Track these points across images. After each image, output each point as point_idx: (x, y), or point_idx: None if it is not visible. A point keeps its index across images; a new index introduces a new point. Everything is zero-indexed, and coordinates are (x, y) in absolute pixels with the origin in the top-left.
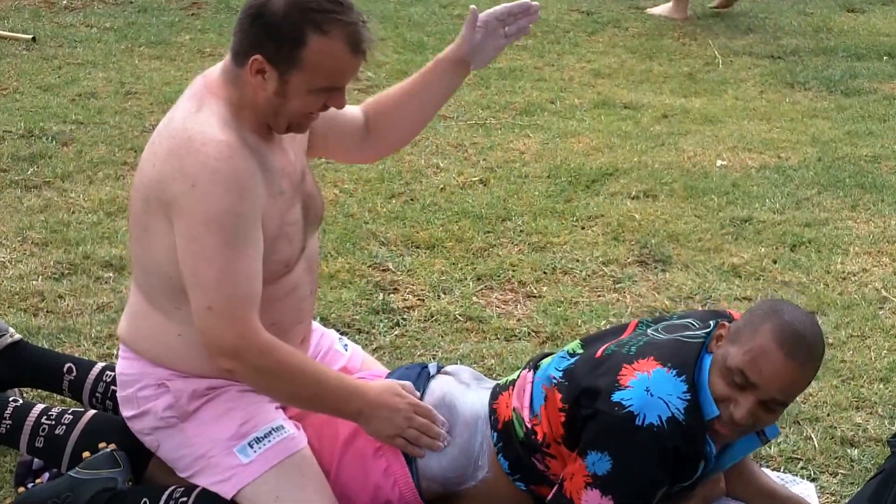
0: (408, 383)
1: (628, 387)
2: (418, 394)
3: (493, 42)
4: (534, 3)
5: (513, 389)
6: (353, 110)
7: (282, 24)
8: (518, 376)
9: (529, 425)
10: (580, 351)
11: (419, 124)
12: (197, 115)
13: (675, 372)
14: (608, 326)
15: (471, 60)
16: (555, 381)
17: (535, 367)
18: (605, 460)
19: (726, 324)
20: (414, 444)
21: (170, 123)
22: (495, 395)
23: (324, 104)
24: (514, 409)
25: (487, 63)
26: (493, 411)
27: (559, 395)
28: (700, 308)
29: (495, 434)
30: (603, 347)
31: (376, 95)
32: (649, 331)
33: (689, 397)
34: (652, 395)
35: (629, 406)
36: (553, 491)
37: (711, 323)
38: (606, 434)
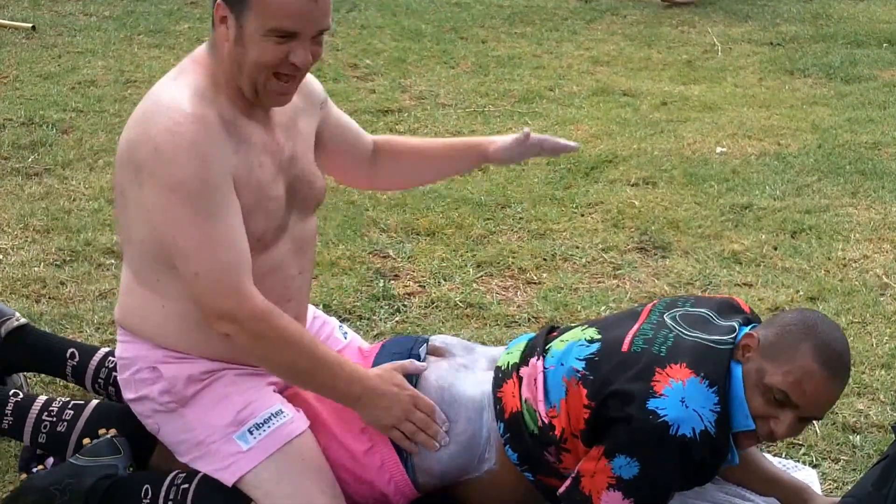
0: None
1: (663, 395)
2: (424, 365)
3: (524, 153)
4: (575, 145)
5: (517, 377)
6: (364, 135)
7: None
8: (521, 360)
9: (546, 419)
10: (598, 337)
11: (420, 183)
12: (172, 83)
13: (707, 382)
14: (619, 311)
15: (495, 160)
16: (578, 374)
17: (544, 353)
18: (633, 465)
19: (754, 334)
20: (410, 439)
21: (151, 91)
22: (499, 382)
23: (286, 58)
24: (524, 401)
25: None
26: (497, 400)
27: (584, 391)
28: (700, 293)
29: (502, 425)
30: (628, 339)
31: (394, 137)
32: (667, 319)
33: (719, 409)
34: (687, 407)
35: (664, 416)
36: (567, 485)
37: (734, 323)
38: (639, 440)
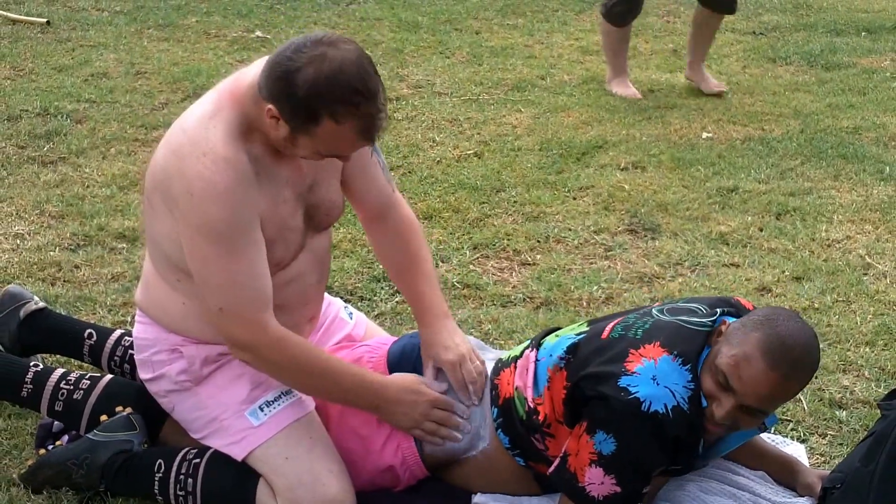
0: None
1: (635, 373)
2: (445, 386)
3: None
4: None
5: (514, 367)
6: (379, 193)
7: (302, 99)
8: (521, 353)
9: (532, 405)
10: (585, 329)
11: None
12: (209, 120)
13: (680, 360)
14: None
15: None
16: (561, 360)
17: (538, 346)
18: (610, 442)
19: (727, 321)
20: (432, 435)
21: (186, 117)
22: (497, 370)
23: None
24: (515, 388)
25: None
26: (494, 386)
27: (565, 374)
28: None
29: (495, 409)
30: (609, 327)
31: (406, 230)
32: (653, 310)
33: (693, 386)
34: (658, 384)
35: (635, 392)
36: (555, 464)
37: (718, 311)
38: (614, 417)
